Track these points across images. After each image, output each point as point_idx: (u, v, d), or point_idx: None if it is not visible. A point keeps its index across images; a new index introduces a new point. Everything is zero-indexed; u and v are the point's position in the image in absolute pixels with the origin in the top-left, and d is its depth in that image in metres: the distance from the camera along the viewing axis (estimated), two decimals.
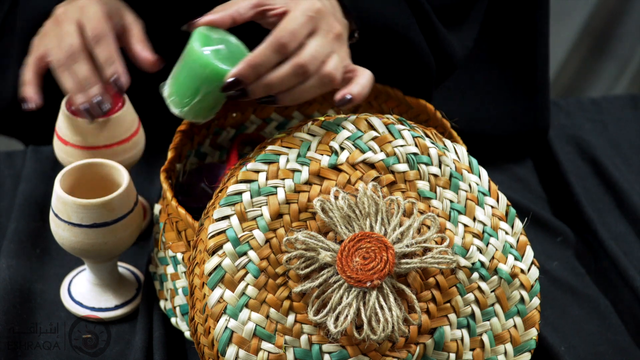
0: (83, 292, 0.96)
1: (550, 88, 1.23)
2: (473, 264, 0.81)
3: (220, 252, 0.78)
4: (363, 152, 0.81)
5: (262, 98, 0.80)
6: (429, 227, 0.79)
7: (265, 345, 0.78)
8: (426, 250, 0.78)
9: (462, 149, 0.85)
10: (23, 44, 1.01)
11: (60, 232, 0.89)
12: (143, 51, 0.90)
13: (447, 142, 0.85)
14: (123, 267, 1.00)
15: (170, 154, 0.93)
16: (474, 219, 0.82)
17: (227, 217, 0.79)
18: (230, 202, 0.79)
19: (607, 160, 1.21)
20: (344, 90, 0.81)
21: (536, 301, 0.83)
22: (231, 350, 0.77)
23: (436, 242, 0.79)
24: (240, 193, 0.79)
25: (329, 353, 0.78)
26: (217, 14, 0.82)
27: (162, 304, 0.94)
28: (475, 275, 0.81)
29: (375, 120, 0.82)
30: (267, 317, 0.78)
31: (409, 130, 0.83)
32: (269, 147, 0.81)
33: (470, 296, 0.81)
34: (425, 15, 1.02)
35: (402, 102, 1.02)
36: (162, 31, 0.98)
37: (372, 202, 0.78)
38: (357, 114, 0.84)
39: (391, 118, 0.84)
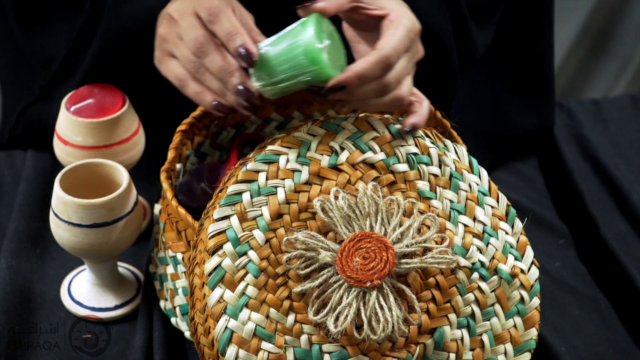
0: (83, 292, 0.96)
1: (555, 86, 1.23)
2: (473, 264, 0.81)
3: (220, 252, 0.78)
4: (363, 152, 0.81)
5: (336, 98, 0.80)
6: (429, 227, 0.79)
7: (265, 345, 0.78)
8: (426, 250, 0.78)
9: (462, 149, 0.85)
10: (97, 58, 0.99)
11: (60, 232, 0.89)
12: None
13: (447, 142, 0.85)
14: (123, 267, 1.00)
15: (170, 154, 0.93)
16: (474, 219, 0.82)
17: (227, 217, 0.79)
18: (230, 202, 0.79)
19: (608, 159, 1.21)
20: (410, 120, 0.82)
21: (536, 301, 0.83)
22: (231, 350, 0.77)
23: (436, 242, 0.79)
24: (240, 193, 0.79)
25: (329, 353, 0.78)
26: (328, 3, 0.79)
27: (162, 304, 0.94)
28: (475, 275, 0.81)
29: (375, 120, 0.82)
30: (267, 317, 0.78)
31: None
32: (269, 147, 0.81)
33: (470, 296, 0.81)
34: (462, 19, 1.03)
35: None
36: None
37: (372, 202, 0.78)
38: (357, 114, 0.84)
39: (391, 118, 0.84)
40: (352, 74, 0.77)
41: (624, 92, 1.93)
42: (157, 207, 0.95)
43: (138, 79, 1.03)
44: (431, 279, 0.79)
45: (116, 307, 0.96)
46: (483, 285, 0.81)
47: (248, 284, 0.78)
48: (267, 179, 0.79)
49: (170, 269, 0.91)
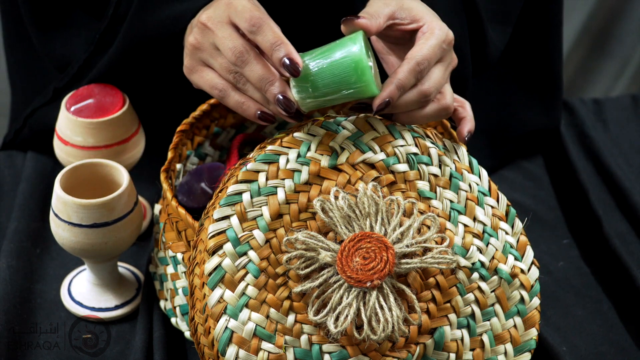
0: (83, 292, 0.96)
1: (562, 85, 1.23)
2: (473, 264, 0.81)
3: (220, 252, 0.78)
4: (363, 152, 0.81)
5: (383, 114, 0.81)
6: (429, 227, 0.79)
7: (265, 345, 0.78)
8: (426, 250, 0.78)
9: (462, 149, 0.85)
10: (113, 63, 0.99)
11: (60, 232, 0.89)
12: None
13: (447, 142, 0.85)
14: (123, 267, 1.00)
15: (170, 154, 0.93)
16: (474, 219, 0.82)
17: (227, 217, 0.79)
18: (230, 202, 0.79)
19: (610, 159, 1.21)
20: (465, 128, 0.85)
21: (536, 301, 0.83)
22: (231, 350, 0.77)
23: (436, 242, 0.79)
24: (240, 193, 0.79)
25: (329, 353, 0.78)
26: (370, 20, 0.79)
27: (162, 304, 0.94)
28: (475, 275, 0.81)
29: (375, 121, 0.82)
30: (267, 317, 0.78)
31: (408, 131, 0.83)
32: (269, 147, 0.81)
33: (470, 296, 0.81)
34: (479, 23, 1.03)
35: None
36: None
37: (372, 202, 0.78)
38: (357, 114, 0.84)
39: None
40: (394, 87, 0.78)
41: (624, 91, 1.93)
42: (157, 207, 0.95)
43: (138, 79, 1.03)
44: (431, 279, 0.79)
45: (116, 307, 0.96)
46: (483, 285, 0.81)
47: (248, 284, 0.78)
48: (267, 179, 0.79)
49: (170, 269, 0.91)
